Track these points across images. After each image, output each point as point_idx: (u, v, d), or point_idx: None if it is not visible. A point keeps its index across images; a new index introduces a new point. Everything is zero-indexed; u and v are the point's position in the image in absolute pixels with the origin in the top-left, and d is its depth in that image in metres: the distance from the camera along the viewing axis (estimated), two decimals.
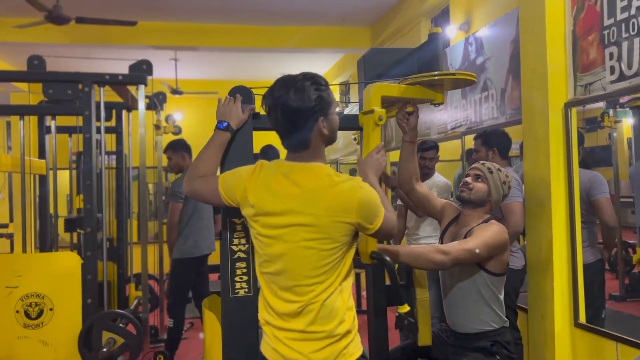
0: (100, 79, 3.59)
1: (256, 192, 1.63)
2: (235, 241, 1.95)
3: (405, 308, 1.92)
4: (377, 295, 2.33)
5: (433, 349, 2.38)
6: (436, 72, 2.08)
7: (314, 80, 1.55)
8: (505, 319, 2.32)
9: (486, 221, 2.28)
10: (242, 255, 1.96)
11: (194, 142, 3.98)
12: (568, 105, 3.04)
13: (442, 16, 5.62)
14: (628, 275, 4.54)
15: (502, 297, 2.30)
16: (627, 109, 4.52)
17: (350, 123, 2.13)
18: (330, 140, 1.64)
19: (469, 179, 2.37)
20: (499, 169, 2.36)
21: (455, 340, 2.34)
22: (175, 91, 7.76)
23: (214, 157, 1.84)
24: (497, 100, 3.86)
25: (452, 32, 4.86)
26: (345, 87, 8.30)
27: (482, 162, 2.42)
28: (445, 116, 4.71)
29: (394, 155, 6.45)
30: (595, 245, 3.29)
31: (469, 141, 4.37)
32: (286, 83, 1.56)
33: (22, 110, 3.99)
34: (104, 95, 3.68)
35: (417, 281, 2.33)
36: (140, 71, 3.78)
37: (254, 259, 1.95)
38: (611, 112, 4.48)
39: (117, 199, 4.87)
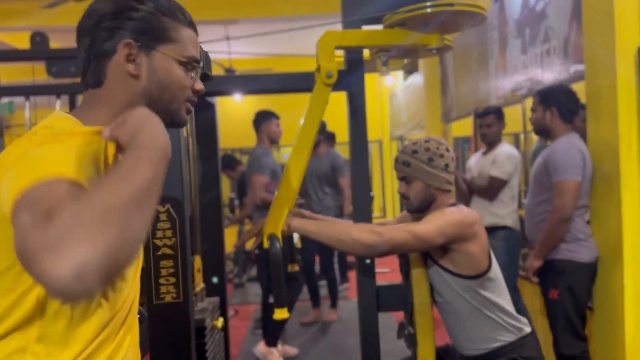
0: None
1: None
2: (159, 234, 1.56)
3: (283, 314, 1.51)
4: (363, 299, 1.87)
5: None
6: (421, 5, 1.55)
7: None
8: (523, 326, 1.75)
9: (453, 205, 1.74)
10: (169, 251, 1.56)
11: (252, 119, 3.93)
12: None
13: None
14: None
15: (503, 301, 1.73)
16: None
17: (306, 83, 1.66)
18: (146, 92, 0.93)
19: (401, 189, 1.79)
20: (426, 140, 1.73)
21: None
22: (229, 70, 7.51)
23: None
24: (559, 52, 3.15)
25: None
26: None
27: (401, 151, 1.80)
28: (505, 79, 4.02)
29: (456, 128, 5.77)
30: None
31: None
32: None
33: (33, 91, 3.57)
34: None
35: (416, 278, 1.81)
36: None
37: (184, 256, 1.57)
38: None
39: None
